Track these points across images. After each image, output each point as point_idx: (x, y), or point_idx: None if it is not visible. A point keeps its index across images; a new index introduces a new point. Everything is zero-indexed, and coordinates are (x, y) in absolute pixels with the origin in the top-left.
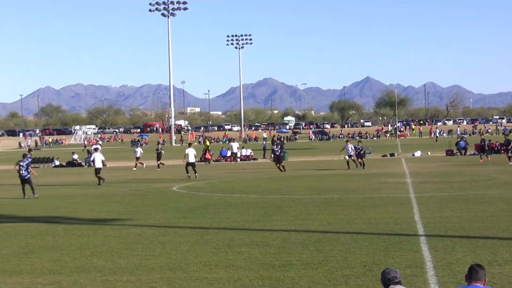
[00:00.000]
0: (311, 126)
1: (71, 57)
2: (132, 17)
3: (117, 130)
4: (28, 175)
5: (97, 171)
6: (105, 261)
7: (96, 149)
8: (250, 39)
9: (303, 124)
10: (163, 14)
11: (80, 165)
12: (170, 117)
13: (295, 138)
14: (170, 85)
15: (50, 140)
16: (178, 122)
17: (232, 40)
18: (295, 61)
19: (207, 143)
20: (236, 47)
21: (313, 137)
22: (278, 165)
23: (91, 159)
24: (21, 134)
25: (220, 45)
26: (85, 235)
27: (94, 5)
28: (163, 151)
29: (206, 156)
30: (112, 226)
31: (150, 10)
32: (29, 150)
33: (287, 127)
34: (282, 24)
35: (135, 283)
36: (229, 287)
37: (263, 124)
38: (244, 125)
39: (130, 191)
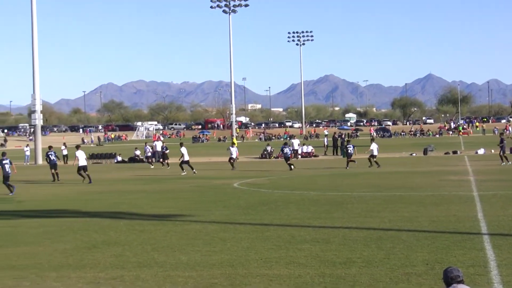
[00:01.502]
0: (373, 123)
1: (133, 54)
2: (194, 14)
3: (172, 126)
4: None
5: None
6: (166, 256)
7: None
8: (311, 36)
9: (364, 121)
10: (224, 11)
11: (141, 161)
12: (231, 114)
13: (356, 135)
14: (231, 82)
15: (113, 136)
16: (239, 119)
17: (293, 36)
18: (356, 58)
19: (234, 140)
20: (297, 44)
21: (375, 134)
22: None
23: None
24: (81, 130)
25: (281, 42)
26: (147, 230)
27: (156, 2)
28: (167, 150)
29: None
30: (173, 222)
31: (211, 7)
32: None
33: (348, 124)
34: (344, 21)
35: (196, 278)
36: (290, 284)
37: (324, 121)
38: (305, 122)
39: (191, 187)
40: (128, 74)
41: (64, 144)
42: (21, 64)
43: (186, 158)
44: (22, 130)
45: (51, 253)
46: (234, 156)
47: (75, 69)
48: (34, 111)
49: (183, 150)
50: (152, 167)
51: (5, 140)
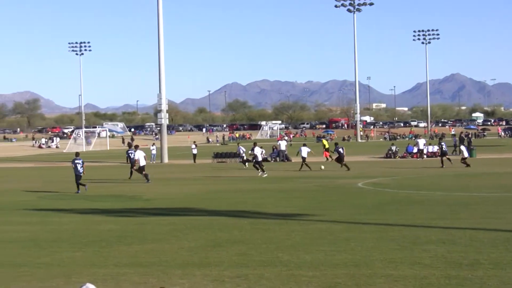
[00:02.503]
0: (500, 123)
1: (257, 53)
2: (318, 13)
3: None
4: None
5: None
6: (290, 255)
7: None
8: (437, 34)
9: (492, 120)
10: (349, 10)
11: (265, 160)
12: (356, 113)
13: (483, 135)
14: (355, 81)
15: (237, 135)
16: (364, 118)
17: (418, 35)
18: (483, 56)
19: (324, 142)
20: (422, 42)
21: (503, 134)
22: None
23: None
24: (204, 129)
25: (406, 41)
26: (271, 229)
27: (281, 2)
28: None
29: (324, 155)
30: (297, 221)
31: (336, 6)
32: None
33: (475, 123)
34: (470, 18)
35: (320, 278)
36: (415, 285)
37: (450, 121)
38: (430, 121)
39: (314, 187)
40: (253, 73)
41: (194, 143)
42: (148, 64)
43: (260, 158)
44: (149, 129)
45: (176, 251)
46: (304, 155)
47: (200, 69)
48: (160, 111)
49: (257, 150)
50: (246, 167)
51: (132, 139)
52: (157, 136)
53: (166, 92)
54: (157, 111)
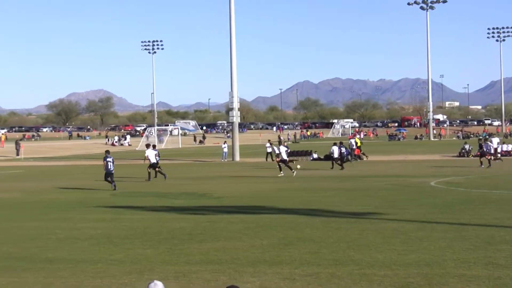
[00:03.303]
0: None
1: (329, 52)
2: (391, 11)
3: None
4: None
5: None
6: (362, 254)
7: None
8: None
9: None
10: (421, 8)
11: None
12: (428, 112)
13: None
14: (428, 79)
15: (309, 133)
16: (436, 117)
17: (493, 32)
18: None
19: (356, 140)
20: (497, 40)
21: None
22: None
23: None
24: (274, 127)
25: (480, 38)
26: (343, 228)
27: (351, 0)
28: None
29: (356, 152)
30: (369, 220)
31: (408, 4)
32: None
33: None
34: None
35: (392, 277)
36: (488, 285)
37: None
38: (505, 120)
39: (386, 186)
40: (324, 71)
41: (269, 141)
42: (220, 62)
43: (285, 156)
44: (220, 127)
45: (248, 249)
46: (335, 155)
47: (272, 67)
48: (231, 109)
49: (282, 149)
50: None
51: (204, 137)
52: (228, 134)
53: (237, 90)
54: (229, 109)
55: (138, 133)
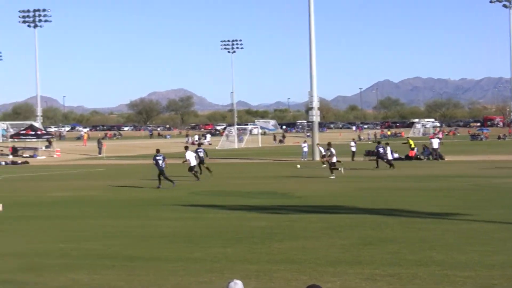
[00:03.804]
0: None
1: (410, 51)
2: (473, 9)
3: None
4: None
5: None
6: (443, 255)
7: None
8: None
9: None
10: (504, 5)
11: (417, 158)
12: (511, 111)
13: None
14: (511, 78)
15: (389, 133)
16: None
17: None
18: None
19: (410, 141)
20: None
21: None
22: None
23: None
24: (354, 127)
25: None
26: (424, 228)
27: None
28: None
29: (410, 153)
30: (450, 221)
31: (490, 1)
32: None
33: None
34: None
35: (474, 279)
36: None
37: None
38: None
39: (468, 186)
40: (405, 71)
41: (354, 140)
42: (299, 61)
43: (335, 159)
44: (300, 126)
45: (328, 248)
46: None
47: (351, 66)
48: (311, 108)
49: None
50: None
51: (283, 136)
52: (308, 134)
53: (317, 89)
54: (308, 109)
55: (218, 132)
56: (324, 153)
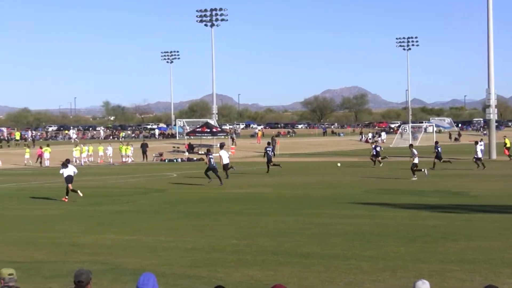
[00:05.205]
0: None
1: None
2: None
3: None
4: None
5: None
6: None
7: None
8: None
9: None
10: None
11: None
12: None
13: None
14: None
15: None
16: None
17: None
18: None
19: (506, 140)
20: None
21: None
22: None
23: None
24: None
25: None
26: None
27: None
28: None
29: (505, 153)
30: None
31: None
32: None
33: None
34: None
35: None
36: None
37: None
38: None
39: None
40: None
41: None
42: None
43: (416, 161)
44: (476, 124)
45: (505, 249)
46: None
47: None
48: (488, 106)
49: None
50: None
51: (459, 135)
52: (485, 132)
53: (495, 86)
54: (485, 106)
55: (392, 130)
56: (415, 155)
